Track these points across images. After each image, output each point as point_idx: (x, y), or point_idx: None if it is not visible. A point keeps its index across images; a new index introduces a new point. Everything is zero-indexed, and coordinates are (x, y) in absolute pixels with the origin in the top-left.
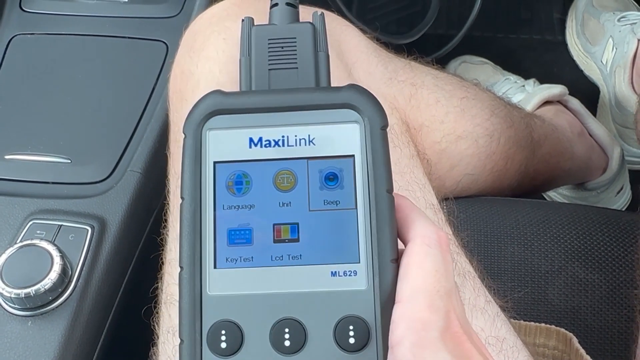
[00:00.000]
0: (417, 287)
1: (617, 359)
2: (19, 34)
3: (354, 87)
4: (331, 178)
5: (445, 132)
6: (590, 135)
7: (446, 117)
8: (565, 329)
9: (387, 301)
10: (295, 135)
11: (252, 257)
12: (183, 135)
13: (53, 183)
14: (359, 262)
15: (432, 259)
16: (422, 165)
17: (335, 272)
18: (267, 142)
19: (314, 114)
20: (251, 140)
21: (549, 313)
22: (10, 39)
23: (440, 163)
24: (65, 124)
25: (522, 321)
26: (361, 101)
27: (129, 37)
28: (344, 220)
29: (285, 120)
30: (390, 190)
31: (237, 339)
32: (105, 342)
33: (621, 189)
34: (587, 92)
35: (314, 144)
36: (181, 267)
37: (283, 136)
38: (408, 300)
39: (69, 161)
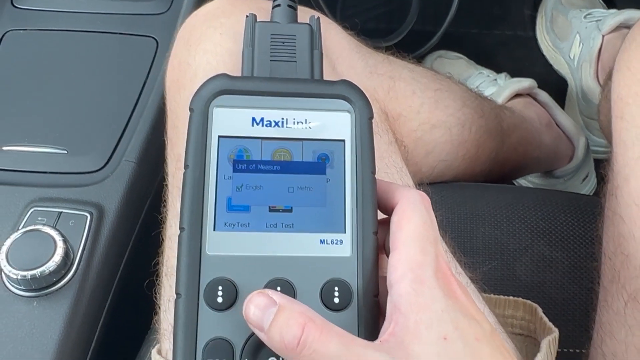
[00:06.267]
0: (410, 235)
1: (577, 327)
2: (12, 30)
3: (347, 82)
4: (323, 158)
5: (421, 121)
6: (558, 126)
7: (421, 107)
8: (531, 302)
9: (368, 267)
10: (294, 118)
11: (248, 223)
12: (190, 111)
13: (51, 173)
14: (345, 233)
15: (419, 213)
16: (399, 151)
17: (324, 240)
18: (268, 122)
19: (312, 101)
20: (254, 119)
21: (516, 287)
22: (3, 35)
23: (416, 150)
24: (61, 116)
25: (492, 295)
26: (353, 94)
27: (119, 33)
28: (333, 196)
29: (286, 104)
30: (374, 172)
31: (232, 295)
32: (107, 318)
33: (586, 176)
34: (556, 86)
35: (310, 127)
36: (182, 229)
37: (283, 118)
38: (403, 247)
39: (66, 152)
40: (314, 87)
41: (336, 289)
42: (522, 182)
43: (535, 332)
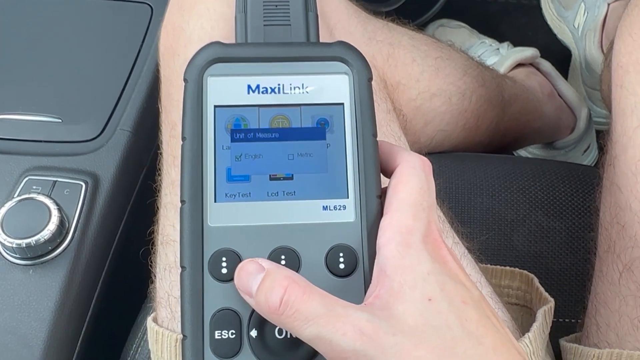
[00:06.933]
0: (404, 200)
1: (573, 297)
2: None
3: (343, 43)
4: (322, 123)
5: (421, 90)
6: (560, 96)
7: (421, 75)
8: (528, 272)
9: (372, 232)
10: (290, 84)
11: (249, 193)
12: (184, 82)
13: (45, 141)
14: (348, 198)
15: (417, 178)
16: (398, 120)
17: (327, 206)
18: (264, 89)
19: (308, 65)
20: (249, 86)
21: (513, 258)
22: None
23: (415, 119)
24: (55, 84)
25: (489, 265)
26: (350, 55)
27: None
28: (334, 161)
29: (281, 69)
30: (375, 134)
31: (237, 265)
32: (104, 286)
33: (588, 147)
34: (560, 55)
35: (307, 92)
36: (183, 201)
37: (279, 84)
38: (395, 211)
39: (60, 120)
40: (310, 50)
41: (341, 254)
42: (523, 153)
43: (531, 302)
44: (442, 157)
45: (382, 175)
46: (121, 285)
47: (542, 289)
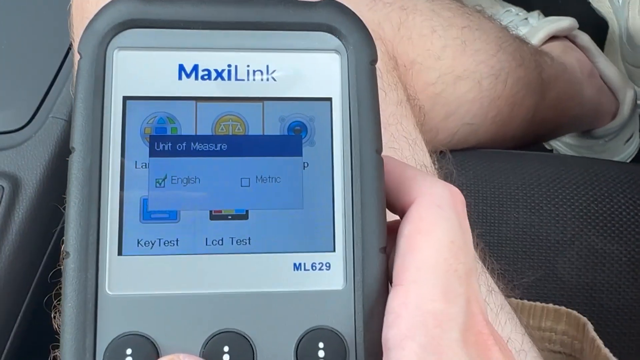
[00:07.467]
0: (427, 264)
1: (635, 344)
2: None
3: (334, 4)
4: (297, 130)
5: (442, 71)
6: (600, 76)
7: (443, 51)
8: (577, 310)
9: (373, 309)
10: (248, 65)
11: (177, 240)
12: (78, 56)
13: None
14: (334, 251)
15: (446, 225)
16: (412, 114)
17: (300, 264)
18: (206, 72)
19: (277, 36)
20: (182, 68)
21: (557, 291)
22: None
23: (434, 110)
24: None
25: (525, 301)
26: (344, 22)
27: None
28: (314, 191)
29: (234, 41)
30: (379, 149)
31: None
32: (21, 330)
33: (631, 136)
34: (593, 28)
35: (275, 80)
36: (67, 253)
37: (229, 65)
38: (414, 283)
39: None
40: (282, 12)
41: (321, 345)
42: (556, 144)
43: (581, 352)
44: (465, 156)
45: (387, 210)
46: (48, 332)
47: (599, 342)
